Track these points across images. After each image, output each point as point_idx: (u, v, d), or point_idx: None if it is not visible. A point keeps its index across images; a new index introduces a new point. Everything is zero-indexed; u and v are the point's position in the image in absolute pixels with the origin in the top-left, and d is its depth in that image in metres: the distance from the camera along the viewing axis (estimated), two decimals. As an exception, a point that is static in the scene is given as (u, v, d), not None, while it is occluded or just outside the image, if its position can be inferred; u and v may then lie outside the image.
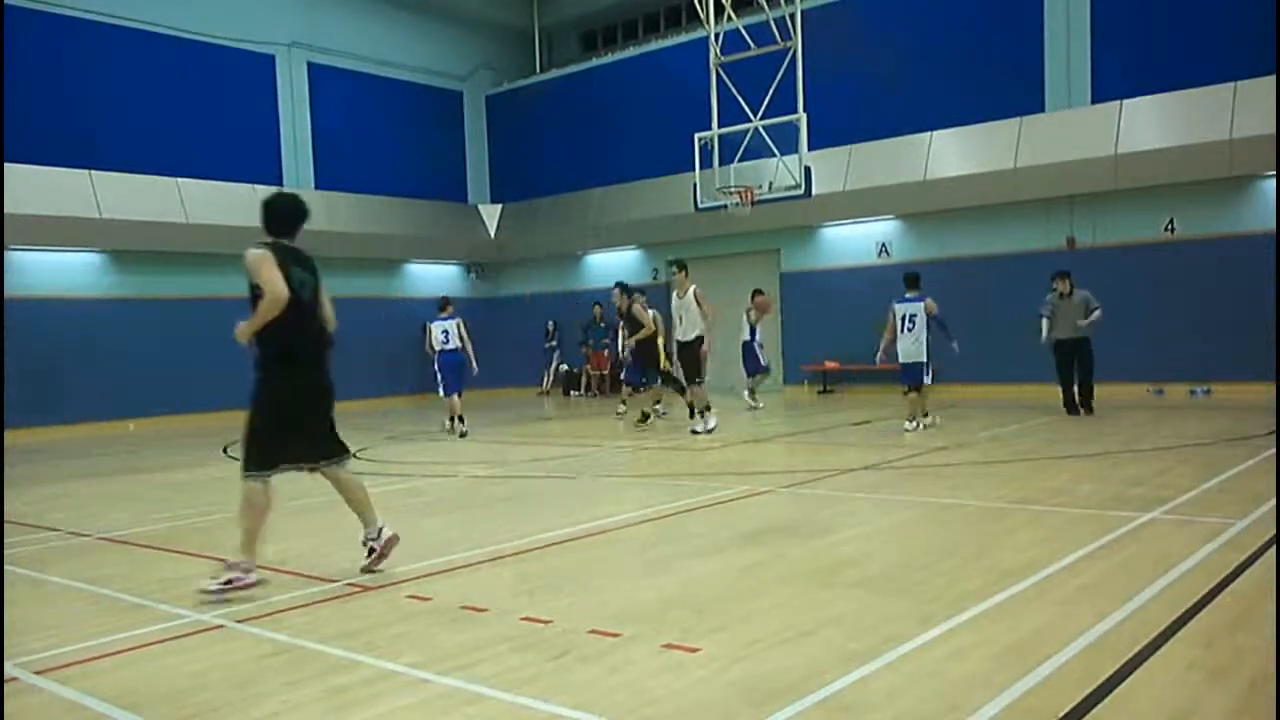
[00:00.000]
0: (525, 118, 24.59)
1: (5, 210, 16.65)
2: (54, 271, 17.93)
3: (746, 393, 16.72)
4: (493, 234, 24.64)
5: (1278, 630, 4.01)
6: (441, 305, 14.72)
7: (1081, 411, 13.45)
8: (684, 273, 13.58)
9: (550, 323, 23.70)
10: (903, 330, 12.21)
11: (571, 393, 23.17)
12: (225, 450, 13.76)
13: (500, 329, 24.12)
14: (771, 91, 15.99)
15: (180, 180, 19.06)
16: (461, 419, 14.60)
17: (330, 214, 21.41)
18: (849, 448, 11.16)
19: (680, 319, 13.50)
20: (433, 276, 23.98)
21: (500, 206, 24.87)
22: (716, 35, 16.58)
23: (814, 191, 16.08)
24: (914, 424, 12.20)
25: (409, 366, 22.29)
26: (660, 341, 14.64)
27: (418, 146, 23.64)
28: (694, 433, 12.88)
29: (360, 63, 22.55)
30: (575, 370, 23.32)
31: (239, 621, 4.84)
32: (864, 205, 18.70)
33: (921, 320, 12.10)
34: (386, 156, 22.82)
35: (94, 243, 18.07)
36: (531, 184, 24.13)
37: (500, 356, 23.94)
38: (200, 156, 19.51)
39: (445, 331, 14.25)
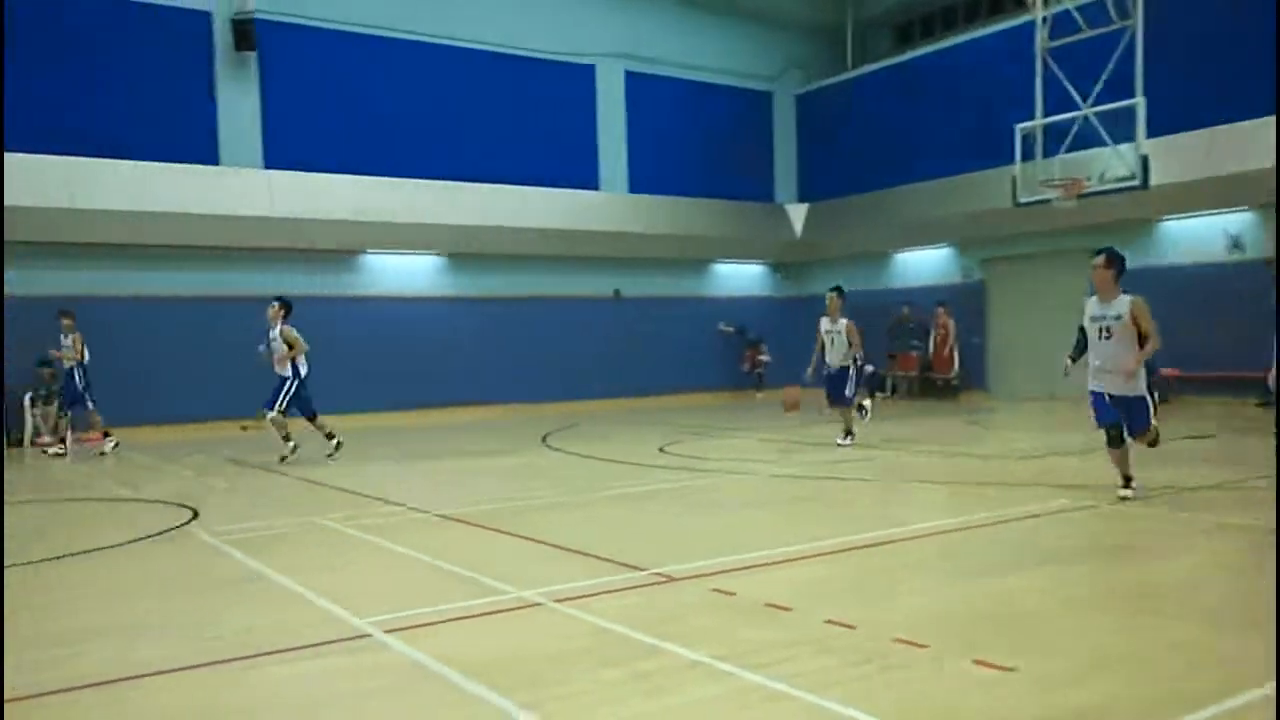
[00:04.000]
0: (834, 115, 24.33)
1: (369, 218, 18.75)
2: (402, 273, 19.92)
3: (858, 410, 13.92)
4: (799, 233, 24.59)
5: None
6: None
7: None
8: (841, 298, 13.02)
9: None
10: None
11: (876, 394, 22.64)
12: (544, 440, 14.64)
13: (806, 329, 24.01)
14: (1105, 75, 14.83)
15: (507, 187, 20.55)
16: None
17: (642, 216, 22.28)
18: (1188, 464, 10.12)
19: (831, 342, 12.79)
20: (739, 276, 24.30)
21: (807, 206, 24.77)
22: (1044, 18, 15.60)
23: (1151, 182, 14.74)
24: None
25: (714, 364, 22.77)
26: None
27: (726, 148, 24.01)
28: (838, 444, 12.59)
29: (674, 68, 23.23)
30: (881, 372, 22.79)
31: (556, 601, 5.13)
32: (1212, 195, 16.86)
33: None
34: (696, 158, 23.36)
35: (432, 246, 19.88)
36: (839, 182, 23.83)
37: (806, 356, 23.91)
38: (524, 165, 20.90)
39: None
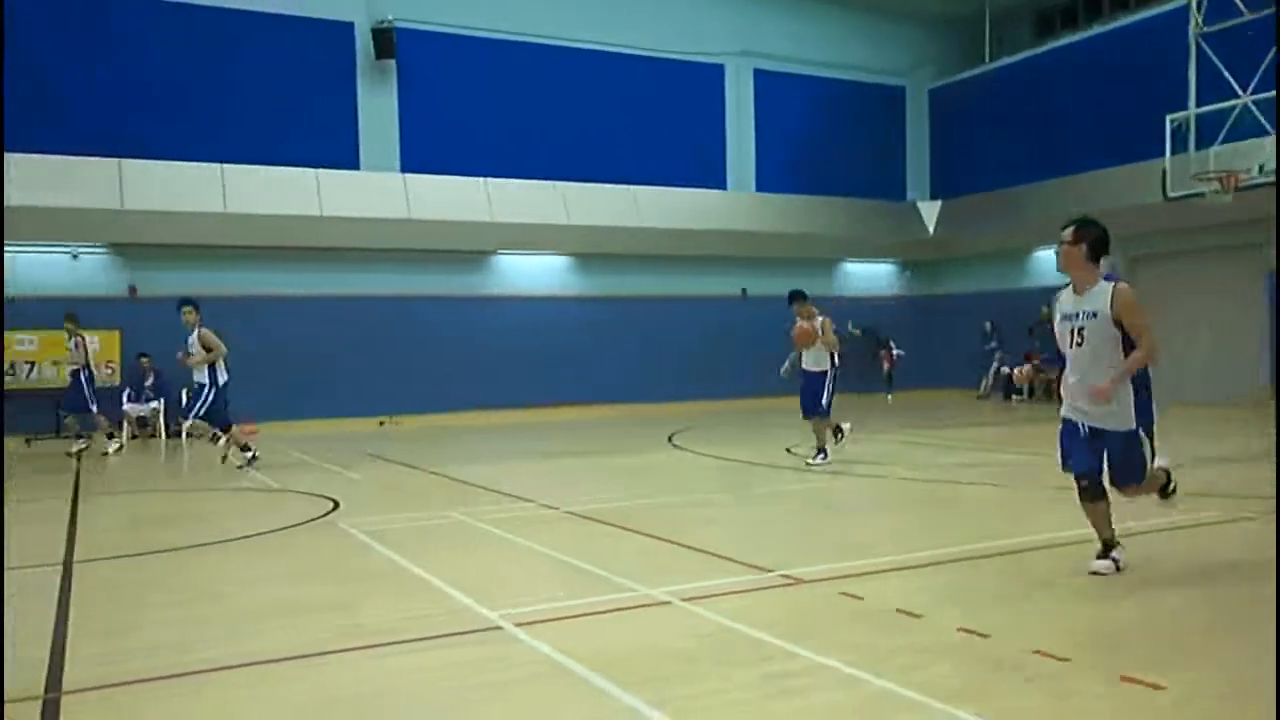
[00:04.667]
0: (969, 110, 23.65)
1: (500, 219, 19.18)
2: (531, 273, 20.30)
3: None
4: (931, 231, 24.00)
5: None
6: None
7: None
8: (803, 303, 11.33)
9: (987, 323, 22.57)
10: None
11: (1013, 397, 21.92)
12: (671, 439, 14.70)
13: (936, 329, 23.47)
14: (1266, 61, 14.00)
15: (635, 188, 20.71)
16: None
17: (769, 215, 22.12)
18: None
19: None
20: (868, 275, 23.89)
21: (940, 203, 24.16)
22: (1198, 2, 14.82)
23: (1316, 174, 13.84)
24: None
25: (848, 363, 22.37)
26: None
27: (856, 145, 23.61)
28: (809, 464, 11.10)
29: (803, 65, 22.99)
30: (1022, 371, 22.00)
31: (683, 600, 5.14)
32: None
33: None
34: (825, 156, 23.05)
35: (561, 246, 20.17)
36: (975, 178, 23.16)
37: (936, 357, 23.35)
38: (652, 165, 21.01)
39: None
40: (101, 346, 16.49)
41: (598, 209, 20.22)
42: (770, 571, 5.76)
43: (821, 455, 11.03)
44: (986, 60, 24.14)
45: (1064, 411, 5.69)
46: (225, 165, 17.38)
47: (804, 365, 11.20)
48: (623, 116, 21.07)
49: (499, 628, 4.74)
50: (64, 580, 6.11)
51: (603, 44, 20.92)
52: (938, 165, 24.71)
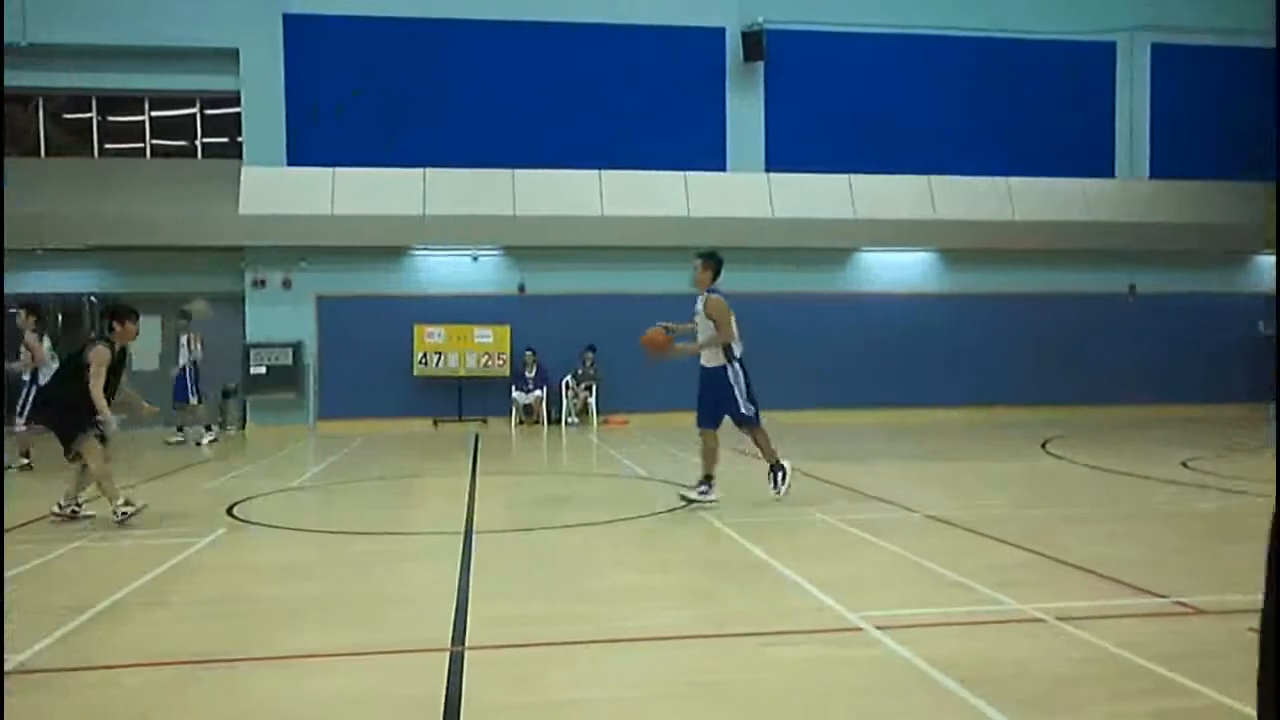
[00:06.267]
0: None
1: (861, 215, 18.96)
2: (893, 269, 19.83)
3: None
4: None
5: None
6: None
7: None
8: (705, 267, 8.77)
9: None
10: None
11: None
12: (1044, 446, 13.80)
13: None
14: None
15: (1007, 179, 19.60)
16: None
17: (1162, 204, 20.09)
18: None
19: (699, 330, 8.71)
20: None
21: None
22: None
23: None
24: None
25: (1242, 372, 19.80)
26: None
27: (1267, 122, 20.77)
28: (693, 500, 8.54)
29: (1206, 35, 20.60)
30: None
31: (1059, 619, 4.79)
32: None
33: None
34: (1228, 137, 20.50)
35: (928, 241, 19.52)
36: None
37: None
38: (1026, 155, 19.78)
39: None
40: (494, 340, 18.27)
41: (961, 202, 19.36)
42: (1163, 597, 5.23)
43: (705, 487, 8.47)
44: None
45: None
46: (603, 171, 18.58)
47: (701, 361, 8.64)
48: (997, 105, 20.01)
49: (859, 629, 4.68)
50: (465, 548, 6.85)
51: (978, 30, 19.97)
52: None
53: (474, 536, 7.30)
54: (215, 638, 4.76)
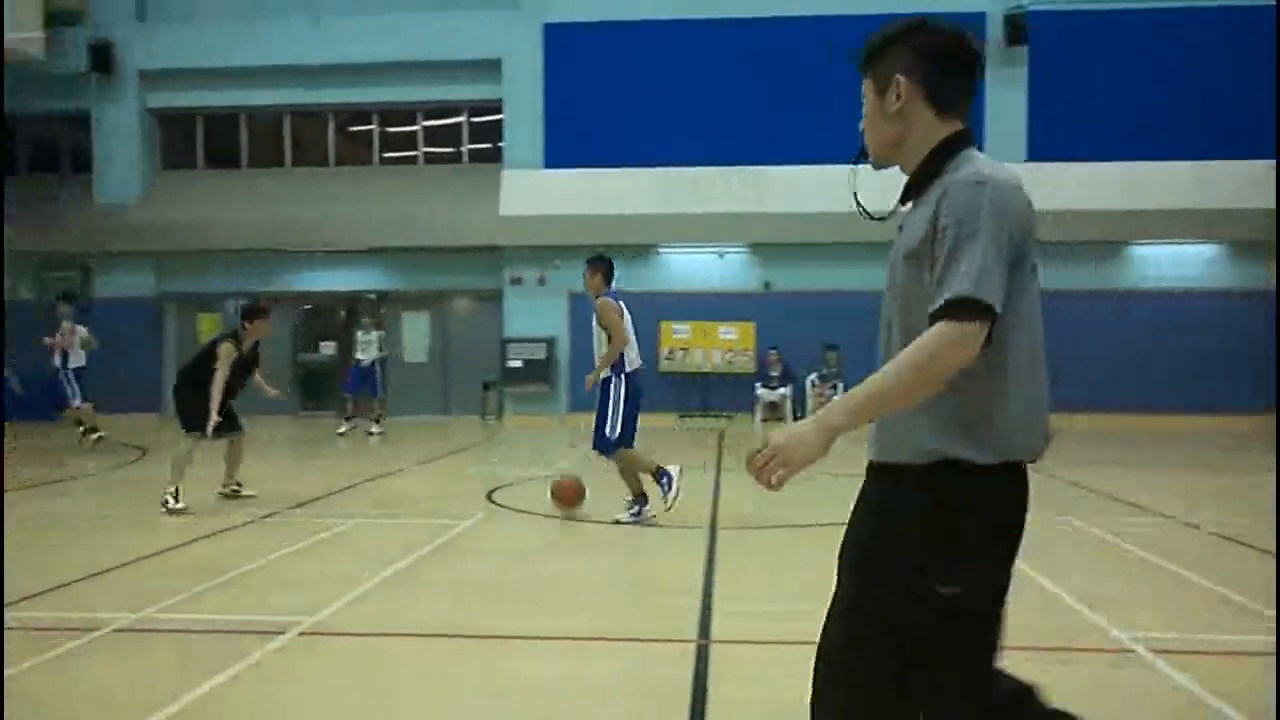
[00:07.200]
0: None
1: (1132, 205, 17.56)
2: (1164, 264, 18.22)
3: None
4: None
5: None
6: None
7: None
8: (594, 271, 7.67)
9: None
10: None
11: None
12: None
13: None
14: None
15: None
16: None
17: None
18: None
19: (595, 341, 7.67)
20: None
21: None
22: None
23: None
24: None
25: None
26: None
27: None
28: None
29: None
30: None
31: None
32: None
33: None
34: None
35: (1205, 233, 17.86)
36: None
37: None
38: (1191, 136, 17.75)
39: None
40: (738, 336, 18.35)
41: (1241, 188, 17.46)
42: None
43: (638, 506, 7.73)
44: None
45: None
46: (857, 166, 18.14)
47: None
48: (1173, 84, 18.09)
49: (1131, 650, 4.34)
50: (709, 542, 6.92)
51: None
52: None
53: (718, 532, 7.35)
54: (472, 615, 5.05)
